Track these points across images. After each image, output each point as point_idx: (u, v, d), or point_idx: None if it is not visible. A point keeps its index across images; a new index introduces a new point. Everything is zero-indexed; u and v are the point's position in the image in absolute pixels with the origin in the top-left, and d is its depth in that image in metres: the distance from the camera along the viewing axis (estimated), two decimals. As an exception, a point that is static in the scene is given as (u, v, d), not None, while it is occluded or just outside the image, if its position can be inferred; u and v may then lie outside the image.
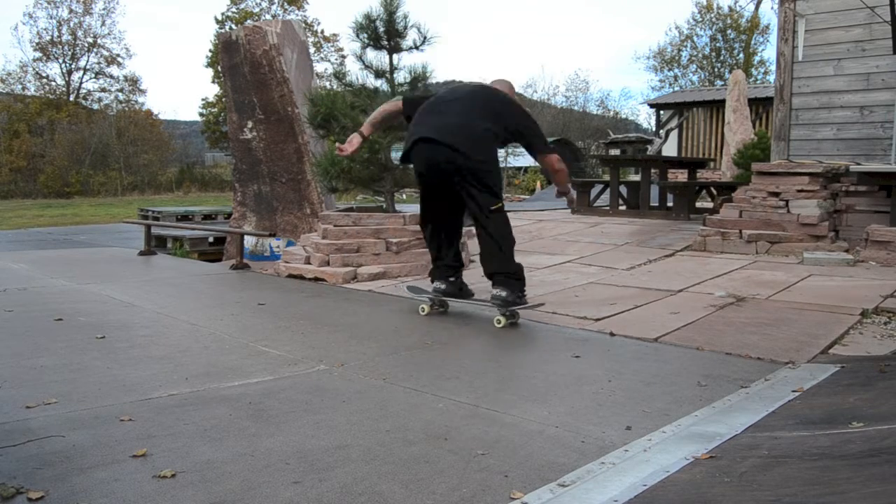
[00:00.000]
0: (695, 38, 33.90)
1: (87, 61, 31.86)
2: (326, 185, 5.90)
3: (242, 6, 31.89)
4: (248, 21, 16.57)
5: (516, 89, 4.28)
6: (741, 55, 32.21)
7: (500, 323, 3.58)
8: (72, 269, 5.65)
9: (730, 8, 32.42)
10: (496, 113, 3.74)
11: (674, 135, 19.27)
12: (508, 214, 3.94)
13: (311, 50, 23.25)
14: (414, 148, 3.74)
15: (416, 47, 5.72)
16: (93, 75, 32.38)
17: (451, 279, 4.00)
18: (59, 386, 2.52)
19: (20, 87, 30.55)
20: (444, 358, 3.01)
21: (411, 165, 4.00)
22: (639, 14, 71.68)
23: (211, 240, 7.83)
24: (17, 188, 24.71)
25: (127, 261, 6.36)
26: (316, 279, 5.16)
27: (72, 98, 31.20)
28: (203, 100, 38.15)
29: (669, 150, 18.37)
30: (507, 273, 3.69)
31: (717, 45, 33.24)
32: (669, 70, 34.78)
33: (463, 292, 4.02)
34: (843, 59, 6.80)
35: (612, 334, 3.40)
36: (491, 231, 3.71)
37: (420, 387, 2.57)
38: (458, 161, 3.58)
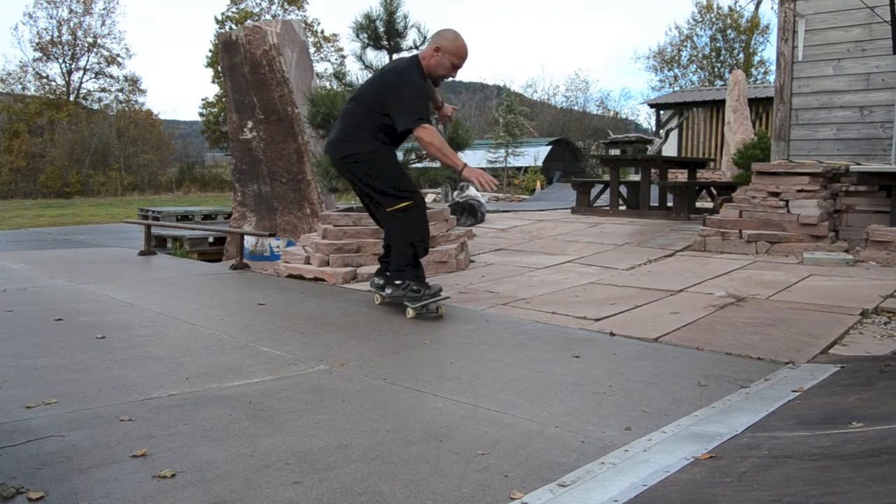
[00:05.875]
0: (695, 38, 33.94)
1: (87, 61, 31.93)
2: (326, 185, 5.90)
3: (242, 6, 31.91)
4: (248, 21, 16.57)
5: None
6: (741, 55, 32.22)
7: (409, 314, 3.82)
8: (72, 269, 5.65)
9: (730, 8, 32.46)
10: (381, 97, 3.81)
11: (674, 135, 19.29)
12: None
13: (311, 50, 23.25)
14: None
15: (416, 47, 5.72)
16: (93, 75, 32.45)
17: (388, 273, 4.12)
18: (59, 386, 2.52)
19: (20, 87, 30.62)
20: (444, 358, 3.01)
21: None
22: (639, 14, 71.74)
23: (211, 240, 7.83)
24: (17, 188, 24.73)
25: (127, 261, 6.36)
26: (316, 279, 5.15)
27: (72, 98, 31.23)
28: (203, 100, 38.21)
29: (669, 150, 18.38)
30: (394, 269, 3.92)
31: (717, 45, 33.27)
32: (669, 70, 34.81)
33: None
34: (843, 59, 6.80)
35: (612, 334, 3.40)
36: (391, 229, 3.96)
37: (420, 387, 2.57)
38: (345, 169, 3.93)
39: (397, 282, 3.86)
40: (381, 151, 3.84)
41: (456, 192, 9.24)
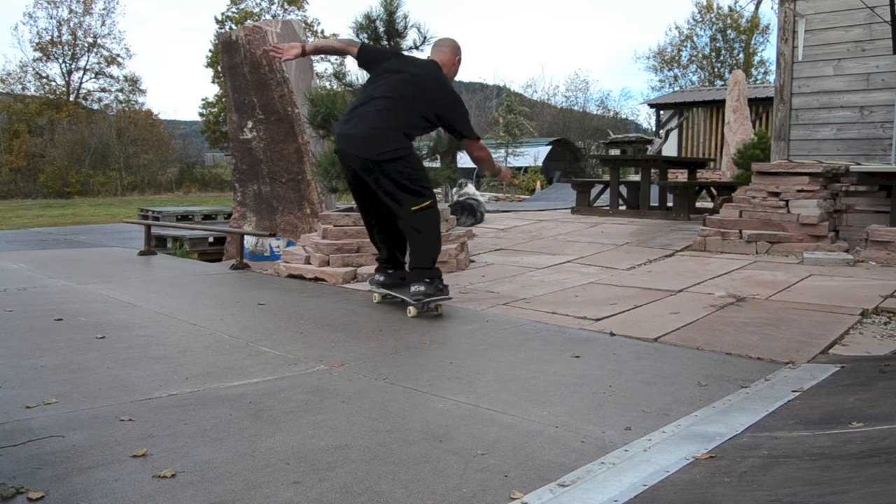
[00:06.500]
0: (695, 38, 33.91)
1: (87, 61, 31.87)
2: (326, 185, 5.90)
3: (242, 6, 31.87)
4: (248, 21, 16.57)
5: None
6: (741, 55, 32.21)
7: (410, 313, 3.83)
8: (72, 269, 5.65)
9: (730, 8, 32.43)
10: (427, 100, 3.90)
11: (674, 135, 19.27)
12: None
13: (311, 50, 23.15)
14: (337, 151, 4.01)
15: (416, 47, 5.71)
16: (93, 75, 32.38)
17: (390, 271, 4.18)
18: (59, 386, 2.52)
19: (20, 87, 30.54)
20: (444, 358, 3.01)
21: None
22: (639, 14, 71.80)
23: (211, 240, 7.83)
24: (17, 188, 24.70)
25: (127, 261, 6.36)
26: (316, 279, 5.16)
27: (72, 98, 31.18)
28: (203, 100, 38.15)
29: (669, 150, 18.36)
30: (421, 268, 3.86)
31: (717, 45, 33.24)
32: (669, 70, 34.78)
33: (400, 285, 4.13)
34: (843, 59, 6.80)
35: (612, 334, 3.40)
36: (417, 228, 3.90)
37: (420, 387, 2.57)
38: (370, 167, 3.81)
39: (427, 279, 3.82)
40: (412, 149, 3.95)
41: (454, 189, 9.23)
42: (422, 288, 3.79)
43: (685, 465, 1.82)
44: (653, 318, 3.74)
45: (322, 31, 33.52)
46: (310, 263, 5.39)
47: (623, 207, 9.52)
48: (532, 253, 6.30)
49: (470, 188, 9.09)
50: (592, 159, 24.30)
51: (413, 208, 3.80)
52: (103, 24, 31.72)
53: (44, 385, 2.53)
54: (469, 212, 8.48)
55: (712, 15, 32.95)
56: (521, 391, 2.52)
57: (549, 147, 26.03)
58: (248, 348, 3.13)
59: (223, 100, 19.79)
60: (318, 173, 5.93)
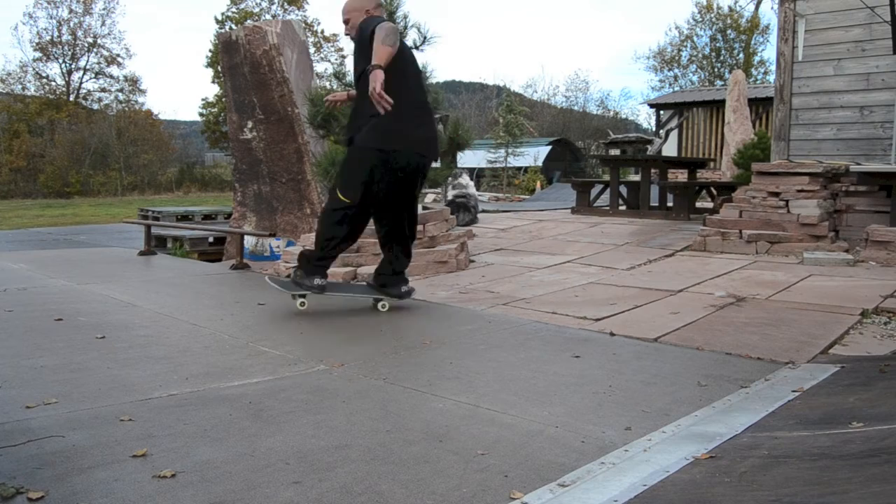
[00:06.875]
0: (695, 38, 33.91)
1: (87, 61, 31.88)
2: (326, 185, 5.90)
3: (242, 6, 31.87)
4: (248, 21, 16.56)
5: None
6: (741, 55, 32.21)
7: (385, 308, 4.03)
8: (72, 269, 5.65)
9: (730, 8, 32.44)
10: None
11: (674, 135, 19.27)
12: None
13: (311, 50, 23.22)
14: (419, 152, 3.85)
15: (416, 47, 5.71)
16: (93, 75, 32.39)
17: (379, 272, 4.30)
18: (59, 386, 2.52)
19: (20, 87, 30.55)
20: (444, 358, 3.01)
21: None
22: (639, 14, 71.85)
23: (211, 240, 7.83)
24: (17, 188, 24.70)
25: (127, 261, 6.36)
26: (316, 279, 5.15)
27: (72, 98, 31.19)
28: (203, 100, 38.19)
29: (669, 150, 18.37)
30: (403, 271, 4.10)
31: (717, 45, 33.24)
32: (669, 70, 34.78)
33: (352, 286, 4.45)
34: (843, 59, 6.80)
35: (612, 334, 3.40)
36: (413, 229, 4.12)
37: (420, 387, 2.57)
38: (426, 170, 4.00)
39: (406, 278, 4.07)
40: None
41: (450, 179, 9.25)
42: (404, 289, 4.07)
43: (685, 465, 1.82)
44: (653, 318, 3.74)
45: (322, 31, 33.53)
46: (310, 263, 5.38)
47: (623, 207, 9.52)
48: (532, 253, 6.30)
49: (464, 178, 9.14)
50: (592, 159, 24.29)
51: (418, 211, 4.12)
52: (103, 24, 31.75)
53: (44, 385, 2.53)
54: (464, 209, 8.53)
55: (712, 15, 32.97)
56: (521, 391, 2.52)
57: (549, 147, 26.02)
58: (248, 348, 3.13)
59: (223, 100, 19.78)
60: (318, 173, 5.94)
